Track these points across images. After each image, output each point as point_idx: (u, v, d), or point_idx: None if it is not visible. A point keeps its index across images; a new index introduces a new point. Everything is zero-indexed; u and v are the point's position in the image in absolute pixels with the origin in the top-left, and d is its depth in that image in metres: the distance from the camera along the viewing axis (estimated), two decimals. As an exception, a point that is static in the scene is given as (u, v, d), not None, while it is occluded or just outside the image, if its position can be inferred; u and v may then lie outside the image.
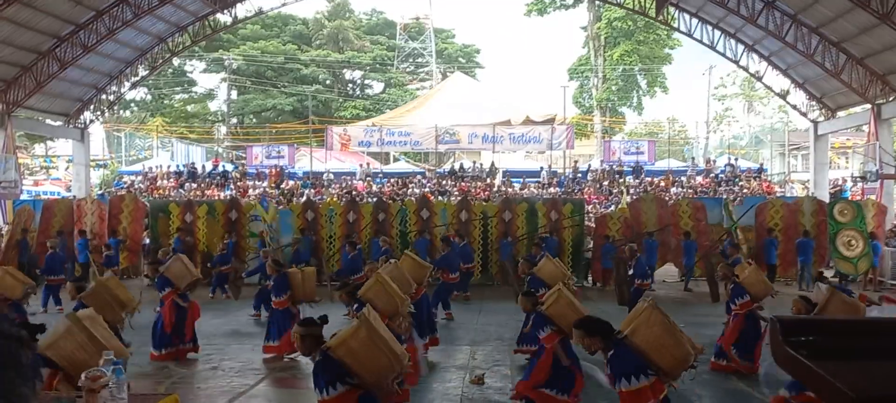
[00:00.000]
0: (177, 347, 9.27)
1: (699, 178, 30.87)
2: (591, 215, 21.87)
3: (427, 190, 28.68)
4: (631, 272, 12.39)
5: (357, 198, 23.86)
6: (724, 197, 23.16)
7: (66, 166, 39.83)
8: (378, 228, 17.26)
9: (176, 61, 42.40)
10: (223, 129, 49.98)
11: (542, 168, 34.02)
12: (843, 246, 16.72)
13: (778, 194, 26.75)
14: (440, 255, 13.51)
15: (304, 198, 26.40)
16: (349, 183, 30.86)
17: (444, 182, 30.78)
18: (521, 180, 31.17)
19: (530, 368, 6.76)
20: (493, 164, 32.48)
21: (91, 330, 4.76)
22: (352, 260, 13.68)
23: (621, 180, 30.35)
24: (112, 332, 5.62)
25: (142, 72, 29.12)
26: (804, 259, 16.91)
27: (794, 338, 2.32)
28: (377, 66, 52.79)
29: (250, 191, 29.62)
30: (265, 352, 9.41)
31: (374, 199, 23.77)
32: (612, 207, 24.95)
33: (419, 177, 32.26)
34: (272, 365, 9.11)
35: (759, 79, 28.82)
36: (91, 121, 29.51)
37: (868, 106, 23.78)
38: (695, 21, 26.47)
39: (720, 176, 30.77)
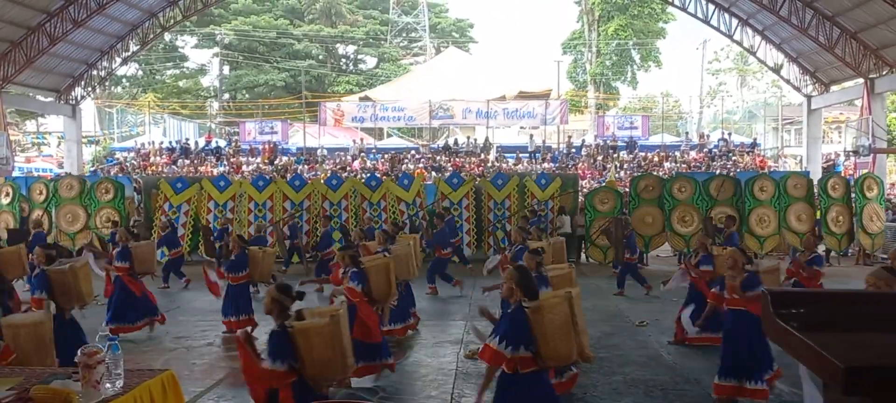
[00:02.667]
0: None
1: (693, 153, 30.90)
2: (584, 190, 21.85)
3: (421, 166, 28.64)
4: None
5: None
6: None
7: (57, 143, 39.54)
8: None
9: (167, 36, 41.99)
10: (215, 105, 49.64)
11: (531, 135, 33.89)
12: (831, 222, 16.80)
13: (770, 168, 26.81)
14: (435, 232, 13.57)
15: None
16: (343, 158, 30.78)
17: (438, 157, 30.74)
18: (515, 155, 31.16)
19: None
20: (487, 139, 32.42)
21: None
22: (324, 234, 14.00)
23: (615, 155, 30.36)
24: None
25: (133, 47, 28.89)
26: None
27: (784, 310, 2.35)
28: (370, 40, 52.43)
29: (244, 167, 29.51)
30: (225, 325, 9.30)
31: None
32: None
33: (413, 152, 32.20)
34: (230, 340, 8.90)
35: (753, 53, 28.79)
36: (82, 97, 29.32)
37: (861, 80, 23.82)
38: (689, -5, 26.46)
39: (714, 150, 30.81)
